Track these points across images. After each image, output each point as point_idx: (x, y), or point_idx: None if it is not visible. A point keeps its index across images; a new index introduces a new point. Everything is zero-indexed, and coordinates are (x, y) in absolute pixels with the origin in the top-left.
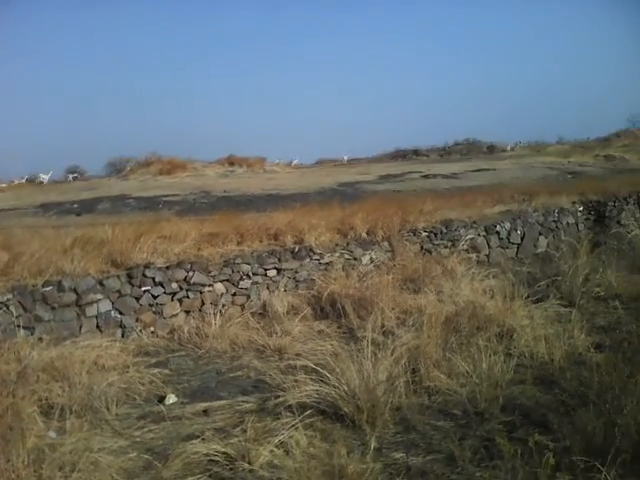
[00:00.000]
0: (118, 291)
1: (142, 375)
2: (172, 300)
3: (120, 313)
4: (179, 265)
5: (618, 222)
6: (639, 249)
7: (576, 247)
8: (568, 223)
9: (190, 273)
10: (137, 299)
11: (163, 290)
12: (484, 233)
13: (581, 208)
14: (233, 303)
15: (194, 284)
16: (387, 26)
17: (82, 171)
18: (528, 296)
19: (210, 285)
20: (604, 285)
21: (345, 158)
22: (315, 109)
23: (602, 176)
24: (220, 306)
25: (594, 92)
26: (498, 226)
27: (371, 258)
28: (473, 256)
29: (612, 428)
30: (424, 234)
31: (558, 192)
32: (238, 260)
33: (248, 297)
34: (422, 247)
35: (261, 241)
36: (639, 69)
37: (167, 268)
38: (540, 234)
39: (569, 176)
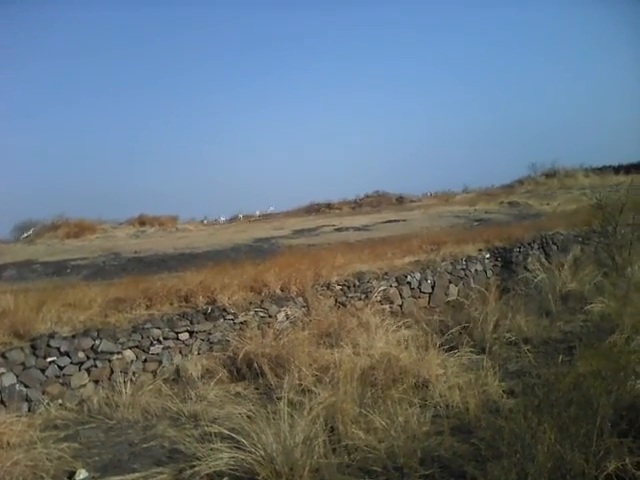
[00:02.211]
0: (22, 363)
1: (50, 451)
2: (80, 370)
3: (25, 386)
4: (85, 333)
5: (525, 267)
6: (546, 293)
7: (485, 294)
8: (477, 270)
9: (97, 341)
10: (43, 371)
11: (70, 360)
12: (396, 284)
13: (488, 255)
14: (144, 370)
15: (102, 352)
16: (294, 85)
17: None
18: (441, 345)
19: (119, 352)
20: (514, 330)
21: (257, 213)
22: (228, 167)
23: (507, 222)
24: (130, 374)
25: (497, 141)
26: (409, 276)
27: (286, 314)
28: (387, 307)
29: (524, 478)
30: (338, 287)
31: (465, 240)
32: (148, 325)
33: (160, 363)
34: (336, 301)
35: (171, 304)
36: (538, 119)
37: (73, 337)
38: (450, 282)
39: (475, 223)
